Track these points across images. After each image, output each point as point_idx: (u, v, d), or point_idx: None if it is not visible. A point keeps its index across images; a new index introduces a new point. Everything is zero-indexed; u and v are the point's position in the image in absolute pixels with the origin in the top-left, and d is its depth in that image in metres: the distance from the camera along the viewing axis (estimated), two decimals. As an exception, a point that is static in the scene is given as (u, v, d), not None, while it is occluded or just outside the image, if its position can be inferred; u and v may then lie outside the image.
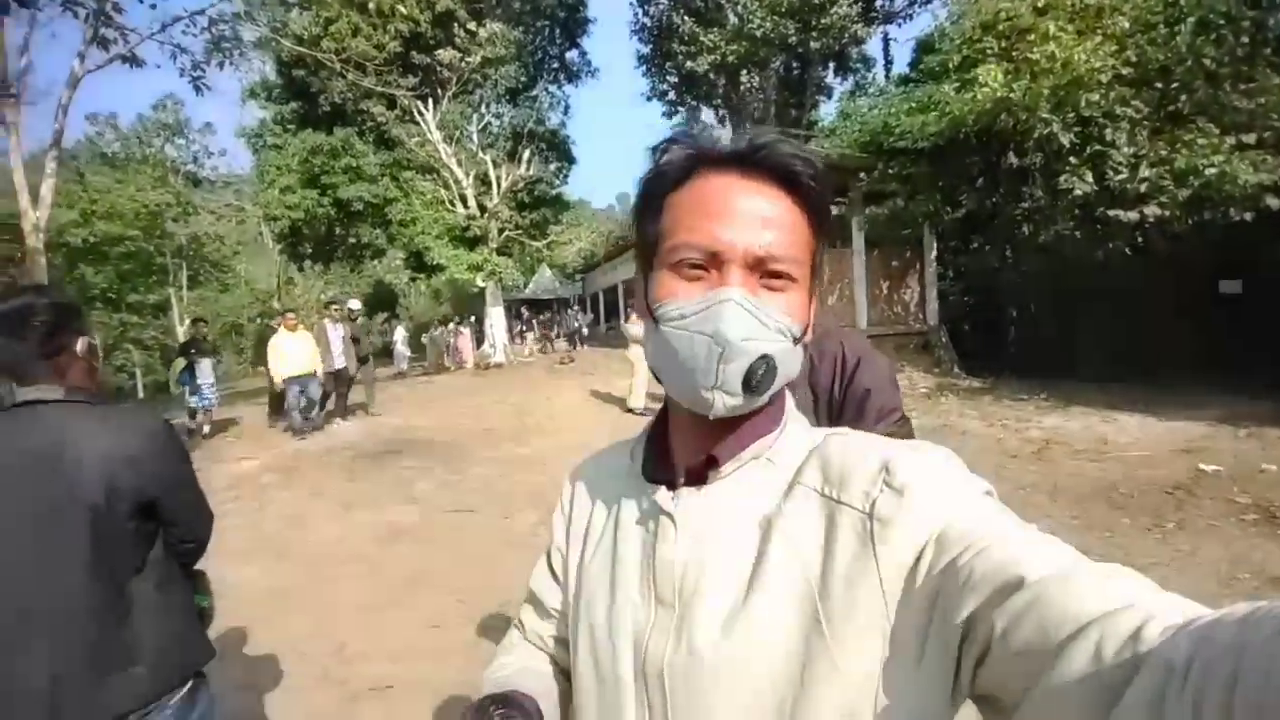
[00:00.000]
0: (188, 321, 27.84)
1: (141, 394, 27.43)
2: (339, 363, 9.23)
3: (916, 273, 13.43)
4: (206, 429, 8.98)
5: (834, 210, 0.61)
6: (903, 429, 1.27)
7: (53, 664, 1.24)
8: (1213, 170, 7.08)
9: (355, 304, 11.19)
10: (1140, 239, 8.16)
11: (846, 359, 1.28)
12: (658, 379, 0.63)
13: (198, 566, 1.65)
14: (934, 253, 13.09)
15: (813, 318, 0.62)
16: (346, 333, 9.43)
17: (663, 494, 0.62)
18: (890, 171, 11.33)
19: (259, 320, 30.27)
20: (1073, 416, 7.57)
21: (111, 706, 1.28)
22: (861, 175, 12.19)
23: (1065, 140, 8.29)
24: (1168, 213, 7.62)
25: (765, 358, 0.55)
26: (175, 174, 27.34)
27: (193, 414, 8.90)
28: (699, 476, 0.62)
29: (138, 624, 1.31)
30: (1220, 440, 6.06)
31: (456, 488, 6.28)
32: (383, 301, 33.24)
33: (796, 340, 0.58)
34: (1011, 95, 8.53)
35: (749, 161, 0.58)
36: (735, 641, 0.54)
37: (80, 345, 1.38)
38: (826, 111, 24.51)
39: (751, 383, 0.55)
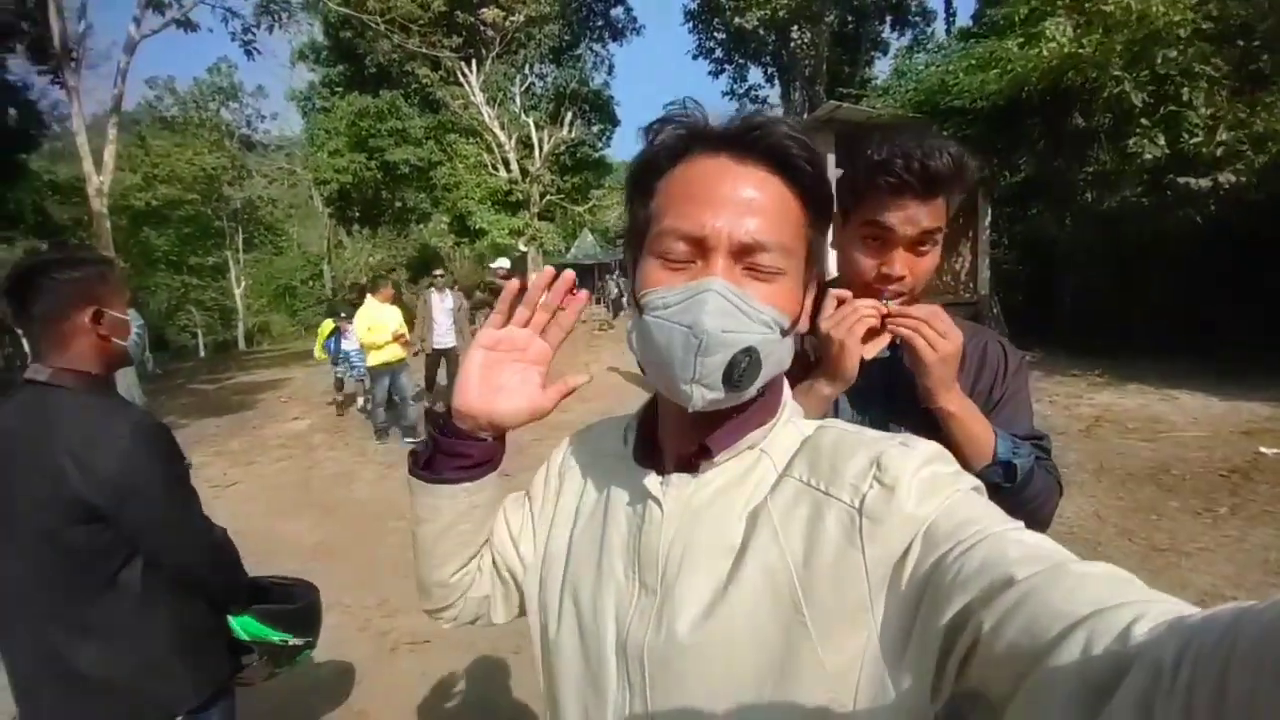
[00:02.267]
0: (242, 283, 29.01)
1: (203, 353, 28.85)
2: (444, 340, 7.38)
3: (969, 240, 12.90)
4: (361, 401, 7.88)
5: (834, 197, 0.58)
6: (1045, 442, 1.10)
7: (36, 653, 1.18)
8: (1295, 135, 6.55)
9: (504, 263, 9.45)
10: (1213, 207, 7.63)
11: (1009, 362, 1.12)
12: (641, 369, 0.61)
13: (296, 605, 1.51)
14: (988, 219, 12.55)
15: (807, 308, 0.60)
16: (459, 304, 7.62)
17: (652, 479, 0.62)
18: (945, 134, 10.84)
19: (310, 283, 31.18)
20: (1127, 394, 7.25)
21: None
22: (914, 138, 11.72)
23: (1138, 100, 7.73)
24: (1244, 179, 7.09)
25: (749, 350, 0.53)
26: (230, 137, 28.11)
27: (340, 385, 8.18)
28: (690, 464, 0.61)
29: (104, 648, 1.17)
30: (1285, 423, 5.73)
31: (495, 452, 6.42)
32: (428, 266, 33.97)
33: (785, 332, 0.56)
34: (1081, 51, 7.96)
35: (741, 143, 0.56)
36: (712, 629, 0.54)
37: (85, 315, 1.19)
38: (881, 69, 23.46)
39: (734, 376, 0.53)
